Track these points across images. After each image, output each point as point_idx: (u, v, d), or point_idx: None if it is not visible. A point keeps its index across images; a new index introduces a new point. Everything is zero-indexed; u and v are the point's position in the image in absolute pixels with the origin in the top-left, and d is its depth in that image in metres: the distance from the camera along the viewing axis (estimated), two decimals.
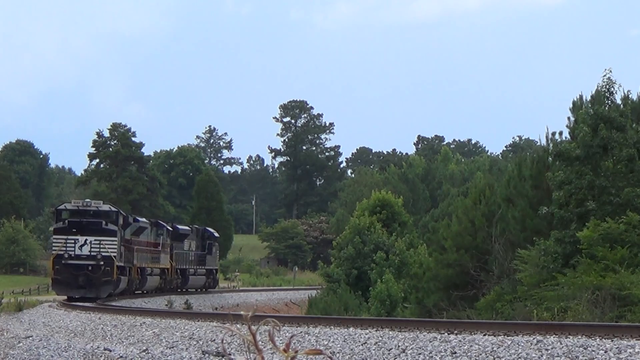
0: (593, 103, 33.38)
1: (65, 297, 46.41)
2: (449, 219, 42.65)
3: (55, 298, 49.39)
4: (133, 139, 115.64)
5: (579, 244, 28.62)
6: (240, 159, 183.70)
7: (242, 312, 2.83)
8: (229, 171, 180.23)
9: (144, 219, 54.58)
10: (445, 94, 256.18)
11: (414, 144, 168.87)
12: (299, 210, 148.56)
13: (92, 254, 45.54)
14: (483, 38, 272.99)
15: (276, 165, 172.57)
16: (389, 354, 18.21)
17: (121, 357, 24.10)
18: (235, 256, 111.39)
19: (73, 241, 45.70)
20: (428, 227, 60.20)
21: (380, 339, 19.31)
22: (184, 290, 60.69)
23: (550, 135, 37.27)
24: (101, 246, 45.58)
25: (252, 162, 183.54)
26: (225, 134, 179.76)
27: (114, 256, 45.62)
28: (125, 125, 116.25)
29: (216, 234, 68.54)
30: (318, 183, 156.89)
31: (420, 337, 18.59)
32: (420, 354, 17.56)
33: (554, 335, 16.71)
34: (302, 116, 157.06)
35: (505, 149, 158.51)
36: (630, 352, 14.92)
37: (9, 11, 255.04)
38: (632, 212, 28.39)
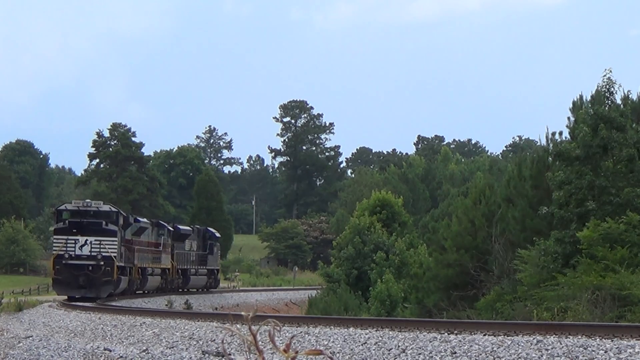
0: (593, 103, 33.39)
1: (66, 297, 46.51)
2: (449, 219, 42.66)
3: (55, 298, 49.40)
4: (133, 139, 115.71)
5: (579, 244, 28.62)
6: (240, 159, 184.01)
7: (242, 313, 2.84)
8: (229, 171, 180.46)
9: (145, 219, 54.64)
10: (445, 94, 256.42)
11: (414, 144, 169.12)
12: (299, 210, 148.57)
13: (92, 254, 45.67)
14: (483, 38, 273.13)
15: (276, 165, 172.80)
16: (389, 354, 18.22)
17: (121, 357, 24.11)
18: (235, 256, 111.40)
19: (73, 241, 45.83)
20: (428, 227, 60.19)
21: (380, 339, 19.32)
22: (185, 290, 60.77)
23: (550, 135, 37.31)
24: (101, 246, 45.70)
25: (252, 162, 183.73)
26: (225, 134, 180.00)
27: (114, 256, 45.71)
28: (125, 125, 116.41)
29: (217, 234, 68.61)
30: (318, 183, 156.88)
31: (420, 337, 18.60)
32: (420, 354, 17.57)
33: (554, 335, 16.71)
34: (302, 116, 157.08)
35: (505, 149, 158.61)
36: (630, 352, 14.92)
37: (9, 11, 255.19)
38: (632, 212, 28.39)
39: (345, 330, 21.11)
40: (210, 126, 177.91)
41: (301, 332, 21.72)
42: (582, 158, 30.47)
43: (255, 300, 66.25)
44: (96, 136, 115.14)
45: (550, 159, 34.96)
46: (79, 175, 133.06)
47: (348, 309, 43.47)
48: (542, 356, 15.66)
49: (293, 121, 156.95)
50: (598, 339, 15.94)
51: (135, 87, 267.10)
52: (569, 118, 35.70)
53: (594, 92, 34.37)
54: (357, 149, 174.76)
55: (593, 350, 15.29)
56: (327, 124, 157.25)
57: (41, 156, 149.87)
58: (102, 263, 45.54)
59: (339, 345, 19.69)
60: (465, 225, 38.08)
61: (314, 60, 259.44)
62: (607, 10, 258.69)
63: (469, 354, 16.78)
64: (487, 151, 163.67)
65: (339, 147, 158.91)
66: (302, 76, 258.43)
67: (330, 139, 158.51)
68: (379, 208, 54.72)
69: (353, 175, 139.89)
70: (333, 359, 18.13)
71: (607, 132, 30.28)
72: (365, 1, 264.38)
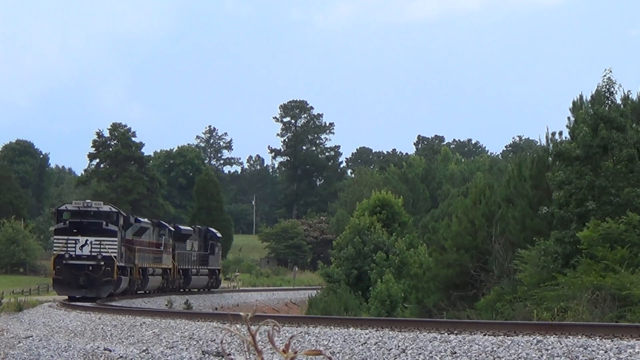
0: (593, 103, 33.39)
1: (66, 297, 46.62)
2: (449, 219, 42.67)
3: (55, 298, 49.43)
4: (133, 139, 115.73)
5: (579, 244, 28.62)
6: (240, 159, 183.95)
7: (241, 313, 2.83)
8: (229, 171, 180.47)
9: (146, 220, 54.78)
10: (445, 94, 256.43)
11: (414, 144, 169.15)
12: (299, 210, 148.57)
13: (92, 254, 45.82)
14: (483, 38, 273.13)
15: (276, 165, 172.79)
16: (389, 354, 18.22)
17: (121, 357, 24.10)
18: (235, 256, 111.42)
19: (74, 241, 45.99)
20: (428, 227, 60.20)
21: (380, 339, 19.32)
22: (186, 290, 60.88)
23: (550, 135, 37.31)
24: (101, 246, 45.83)
25: (252, 162, 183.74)
26: (225, 134, 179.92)
27: (115, 256, 45.82)
28: (125, 125, 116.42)
29: (219, 234, 68.71)
30: (318, 183, 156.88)
31: (420, 337, 18.59)
32: (420, 354, 17.57)
33: (554, 335, 16.71)
34: (302, 116, 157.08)
35: (505, 149, 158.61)
36: (630, 352, 14.92)
37: (9, 11, 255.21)
38: (632, 212, 28.39)
39: (345, 330, 21.11)
40: (210, 126, 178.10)
41: (301, 332, 21.72)
42: (582, 158, 30.47)
43: (255, 300, 66.25)
44: (96, 136, 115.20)
45: (550, 159, 34.96)
46: (79, 175, 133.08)
47: (348, 309, 43.48)
48: (542, 356, 15.65)
49: (293, 121, 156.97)
50: (598, 339, 15.94)
51: (135, 87, 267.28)
52: (569, 118, 35.72)
53: (594, 92, 34.38)
54: (357, 149, 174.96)
55: (593, 350, 15.29)
56: (327, 124, 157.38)
57: (41, 156, 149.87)
58: (102, 263, 45.66)
59: (339, 345, 19.69)
60: (465, 225, 38.08)
61: (314, 60, 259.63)
62: (607, 10, 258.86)
63: (469, 354, 16.77)
64: (487, 151, 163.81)
65: (339, 147, 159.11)
66: (302, 76, 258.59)
67: (330, 139, 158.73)
68: (379, 208, 54.73)
69: (353, 175, 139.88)
70: (332, 359, 18.12)
71: (607, 132, 30.28)
72: (365, 1, 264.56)
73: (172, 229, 57.52)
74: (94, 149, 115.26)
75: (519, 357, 15.90)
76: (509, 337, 17.19)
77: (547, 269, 29.44)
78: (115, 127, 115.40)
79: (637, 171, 30.49)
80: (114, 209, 48.37)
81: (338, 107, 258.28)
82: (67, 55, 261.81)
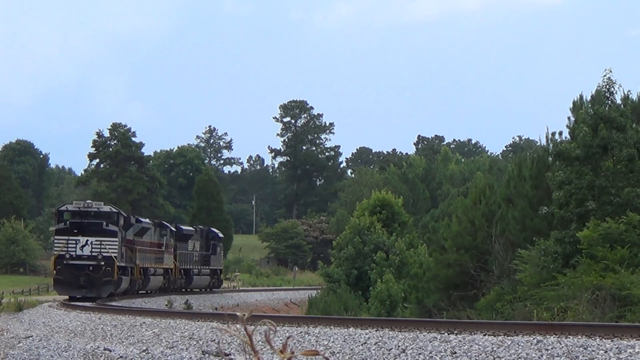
0: (593, 103, 33.39)
1: (67, 297, 46.76)
2: (449, 219, 42.68)
3: (55, 298, 49.47)
4: (133, 139, 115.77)
5: (579, 244, 28.62)
6: (240, 159, 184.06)
7: (237, 313, 2.84)
8: (229, 171, 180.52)
9: (147, 220, 54.97)
10: (445, 94, 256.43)
11: (414, 144, 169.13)
12: (299, 210, 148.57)
13: (93, 254, 46.01)
14: (483, 38, 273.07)
15: (276, 165, 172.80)
16: (389, 354, 18.22)
17: (121, 357, 24.10)
18: (235, 256, 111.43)
19: (74, 242, 46.17)
20: (428, 227, 60.23)
21: (380, 339, 19.32)
22: (188, 290, 61.00)
23: (550, 135, 37.32)
24: (102, 247, 46.02)
25: (252, 162, 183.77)
26: (225, 134, 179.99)
27: (115, 256, 45.97)
28: (125, 125, 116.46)
29: (220, 235, 68.86)
30: (318, 183, 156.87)
31: (420, 337, 18.59)
32: (420, 354, 17.57)
33: (554, 335, 16.71)
34: (302, 116, 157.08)
35: (505, 149, 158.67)
36: (630, 352, 14.92)
37: (9, 11, 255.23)
38: (632, 212, 28.40)
39: (345, 330, 21.10)
40: (210, 126, 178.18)
41: (301, 332, 21.72)
42: (582, 158, 30.47)
43: (255, 300, 66.27)
44: (96, 136, 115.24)
45: (550, 159, 34.96)
46: (79, 175, 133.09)
47: (348, 309, 43.48)
48: (542, 356, 15.65)
49: (293, 121, 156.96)
50: (598, 339, 15.94)
51: (135, 87, 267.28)
52: (569, 118, 35.73)
53: (594, 92, 34.39)
54: (357, 149, 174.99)
55: (593, 350, 15.29)
56: (327, 124, 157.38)
57: (41, 156, 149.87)
58: (102, 263, 45.82)
59: (339, 345, 19.69)
60: (465, 225, 38.08)
61: (314, 60, 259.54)
62: (607, 10, 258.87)
63: (469, 354, 16.78)
64: (487, 151, 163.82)
65: (339, 147, 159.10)
66: (302, 76, 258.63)
67: (330, 139, 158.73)
68: (379, 208, 54.73)
69: (353, 175, 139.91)
70: (329, 359, 18.11)
71: (607, 132, 30.29)
72: (365, 1, 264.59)
73: (174, 229, 57.68)
74: (94, 149, 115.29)
75: (519, 357, 15.90)
76: (509, 337, 17.19)
77: (547, 269, 29.44)
78: (115, 127, 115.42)
79: (637, 171, 30.49)
80: (114, 210, 48.54)
81: (338, 107, 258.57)
82: (67, 55, 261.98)
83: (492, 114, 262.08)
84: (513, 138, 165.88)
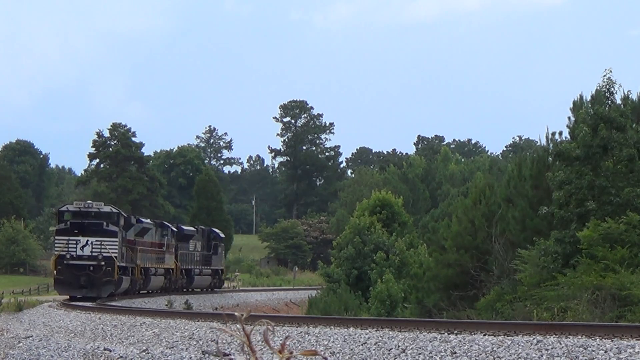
0: (593, 103, 33.39)
1: (67, 297, 46.92)
2: (449, 219, 42.66)
3: (55, 298, 49.53)
4: (133, 139, 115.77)
5: (579, 244, 28.62)
6: (240, 159, 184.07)
7: (235, 313, 2.84)
8: (229, 171, 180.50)
9: (148, 220, 55.13)
10: (445, 94, 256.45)
11: (414, 144, 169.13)
12: (299, 210, 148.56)
13: (93, 254, 46.24)
14: (483, 38, 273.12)
15: (276, 165, 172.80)
16: (389, 354, 18.22)
17: (121, 357, 24.11)
18: (235, 256, 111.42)
19: (75, 242, 46.39)
20: (428, 227, 60.22)
21: (380, 339, 19.31)
22: (189, 290, 61.08)
23: (550, 135, 37.31)
24: (102, 247, 46.24)
25: (252, 162, 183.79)
26: (225, 134, 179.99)
27: (115, 256, 46.13)
28: (125, 125, 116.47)
29: (222, 235, 68.97)
30: (318, 183, 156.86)
31: (420, 337, 18.59)
32: (420, 354, 17.57)
33: (554, 335, 16.71)
34: (302, 116, 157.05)
35: (505, 149, 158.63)
36: (630, 352, 14.92)
37: (9, 11, 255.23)
38: (632, 212, 28.39)
39: (345, 330, 21.10)
40: (210, 126, 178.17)
41: (301, 332, 21.72)
42: (582, 158, 30.46)
43: (255, 300, 66.28)
44: (96, 136, 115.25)
45: (550, 159, 34.96)
46: (79, 175, 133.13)
47: (348, 309, 43.48)
48: (542, 356, 15.65)
49: (293, 121, 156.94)
50: (598, 339, 15.94)
51: (135, 87, 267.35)
52: (569, 118, 35.72)
53: (594, 92, 34.38)
54: (357, 149, 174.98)
55: (593, 350, 15.29)
56: (327, 124, 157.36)
57: (41, 156, 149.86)
58: (103, 263, 46.02)
59: (339, 345, 19.69)
60: (465, 225, 38.07)
61: (314, 60, 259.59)
62: (607, 10, 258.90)
63: (469, 354, 16.78)
64: (487, 151, 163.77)
65: (339, 147, 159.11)
66: (302, 76, 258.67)
67: (330, 139, 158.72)
68: (379, 208, 54.73)
69: (353, 175, 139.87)
70: (328, 359, 18.11)
71: (607, 132, 30.29)
72: (365, 1, 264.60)
73: (175, 229, 57.86)
74: (94, 149, 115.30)
75: (519, 357, 15.90)
76: (509, 337, 17.19)
77: (547, 269, 29.44)
78: (115, 127, 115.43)
79: (637, 171, 30.49)
80: (114, 210, 48.73)
81: (338, 107, 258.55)
82: (67, 55, 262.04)
83: (492, 114, 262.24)
84: (513, 138, 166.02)
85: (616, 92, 32.15)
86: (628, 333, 16.20)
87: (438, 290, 38.19)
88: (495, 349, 16.56)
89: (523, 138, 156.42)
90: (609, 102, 31.89)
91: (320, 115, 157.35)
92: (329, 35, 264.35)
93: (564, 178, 30.48)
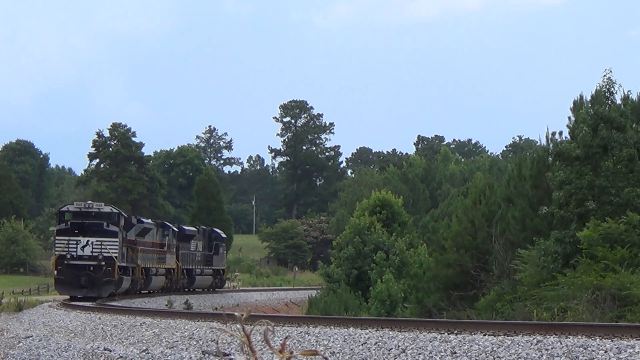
0: (593, 103, 33.40)
1: (67, 297, 47.04)
2: (449, 219, 42.66)
3: (55, 298, 49.58)
4: (133, 139, 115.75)
5: (579, 244, 28.62)
6: (240, 159, 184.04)
7: (235, 313, 2.84)
8: (229, 171, 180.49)
9: (149, 220, 55.24)
10: (445, 94, 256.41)
11: (414, 144, 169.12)
12: (299, 210, 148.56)
13: (93, 254, 46.43)
14: (483, 38, 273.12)
15: (276, 165, 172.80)
16: (389, 354, 18.22)
17: (121, 357, 24.11)
18: (235, 256, 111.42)
19: (75, 242, 46.58)
20: (428, 227, 60.24)
21: (380, 339, 19.32)
22: (190, 290, 61.15)
23: (550, 135, 37.32)
24: (102, 247, 46.41)
25: (252, 162, 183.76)
26: (225, 134, 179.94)
27: (115, 256, 46.25)
28: (125, 125, 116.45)
29: (223, 235, 69.06)
30: (318, 183, 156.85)
31: (420, 337, 18.59)
32: (420, 354, 17.57)
33: (554, 335, 16.71)
34: (302, 116, 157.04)
35: (505, 149, 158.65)
36: (630, 352, 14.92)
37: (9, 11, 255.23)
38: (632, 212, 28.40)
39: (345, 330, 21.11)
40: (210, 126, 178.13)
41: (301, 332, 21.73)
42: (582, 158, 30.47)
43: (255, 300, 66.28)
44: (96, 136, 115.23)
45: (550, 159, 34.96)
46: (79, 175, 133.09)
47: (348, 309, 43.49)
48: (542, 356, 15.66)
49: (293, 121, 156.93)
50: (598, 339, 15.94)
51: (135, 87, 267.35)
52: (569, 118, 35.72)
53: (594, 92, 34.39)
54: (357, 149, 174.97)
55: (593, 350, 15.29)
56: (327, 124, 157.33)
57: (41, 156, 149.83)
58: (103, 263, 46.16)
59: (339, 345, 19.69)
60: (465, 225, 38.08)
61: (314, 60, 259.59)
62: (607, 10, 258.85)
63: (469, 354, 16.78)
64: (487, 151, 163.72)
65: (339, 147, 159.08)
66: (302, 76, 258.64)
67: (330, 139, 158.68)
68: (379, 208, 54.73)
69: (353, 175, 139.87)
70: (328, 359, 18.11)
71: (607, 132, 30.29)
72: (365, 1, 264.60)
73: (176, 229, 58.02)
74: (94, 149, 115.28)
75: (519, 357, 15.90)
76: (509, 337, 17.19)
77: (547, 269, 29.44)
78: (115, 127, 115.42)
79: (637, 171, 30.49)
80: (115, 210, 48.87)
81: (338, 107, 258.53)
82: (67, 55, 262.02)
83: (492, 114, 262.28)
84: (513, 138, 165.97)
85: (616, 92, 32.18)
86: (628, 333, 16.20)
87: (438, 290, 38.20)
88: (495, 349, 16.56)
89: (523, 138, 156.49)
90: (609, 102, 31.89)
91: (320, 115, 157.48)
92: (329, 35, 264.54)
93: (564, 178, 30.49)
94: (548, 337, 16.64)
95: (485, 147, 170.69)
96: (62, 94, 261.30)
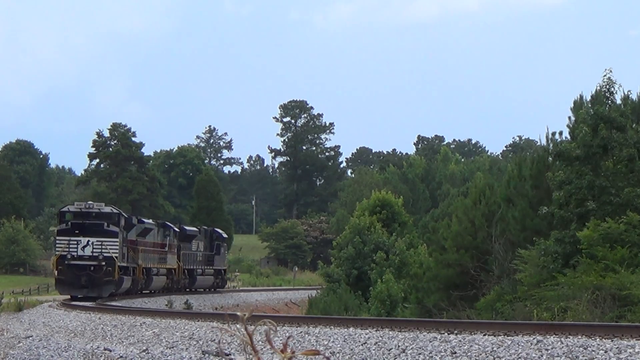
0: (593, 103, 33.41)
1: (67, 297, 47.13)
2: (449, 219, 42.65)
3: (55, 298, 49.61)
4: (133, 139, 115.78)
5: (579, 244, 28.62)
6: (240, 159, 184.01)
7: (238, 313, 2.84)
8: (229, 171, 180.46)
9: (150, 221, 55.31)
10: (445, 94, 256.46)
11: (414, 144, 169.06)
12: (299, 210, 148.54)
13: (94, 254, 46.54)
14: (483, 38, 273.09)
15: (276, 165, 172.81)
16: (389, 354, 18.23)
17: (121, 357, 24.11)
18: (235, 256, 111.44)
19: (76, 242, 46.67)
20: (428, 227, 60.16)
21: (380, 339, 19.32)
22: (191, 290, 61.20)
23: (550, 135, 37.33)
24: (103, 247, 46.51)
25: (252, 162, 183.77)
26: (225, 134, 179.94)
27: (116, 256, 46.33)
28: (125, 125, 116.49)
29: (224, 235, 69.16)
30: (318, 183, 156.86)
31: (420, 337, 18.60)
32: (420, 354, 17.57)
33: (554, 335, 16.71)
34: (302, 116, 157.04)
35: (505, 149, 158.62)
36: (630, 352, 14.93)
37: (9, 11, 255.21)
38: (632, 212, 28.40)
39: (345, 330, 21.11)
40: (210, 126, 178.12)
41: (301, 332, 21.73)
42: (582, 158, 30.47)
43: (255, 300, 66.31)
44: (96, 136, 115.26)
45: (550, 159, 34.97)
46: (79, 175, 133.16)
47: (348, 309, 43.49)
48: (542, 356, 15.66)
49: (293, 121, 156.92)
50: (598, 339, 15.94)
51: (135, 87, 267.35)
52: (569, 118, 35.74)
53: (594, 92, 34.40)
54: (357, 149, 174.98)
55: (593, 350, 15.30)
56: (327, 124, 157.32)
57: (41, 156, 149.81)
58: (103, 263, 46.27)
59: (339, 345, 19.70)
60: (465, 225, 38.08)
61: (314, 60, 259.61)
62: (607, 10, 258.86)
63: (469, 354, 16.78)
64: (487, 151, 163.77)
65: (339, 147, 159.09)
66: (302, 76, 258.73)
67: (330, 139, 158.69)
68: (379, 208, 54.74)
69: (353, 175, 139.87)
70: (330, 359, 18.12)
71: (607, 132, 30.29)
72: (365, 1, 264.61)
73: (177, 229, 58.14)
74: (94, 149, 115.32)
75: (519, 357, 15.90)
76: (509, 337, 17.19)
77: (547, 269, 29.44)
78: (115, 127, 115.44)
79: (637, 171, 30.50)
80: (115, 210, 48.97)
81: (338, 107, 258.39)
82: (67, 55, 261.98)
83: (492, 114, 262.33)
84: (513, 138, 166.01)
85: (616, 92, 32.19)
86: (628, 333, 16.20)
87: (438, 290, 38.20)
88: (495, 349, 16.57)
89: (523, 138, 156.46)
90: (609, 102, 31.90)
91: (320, 115, 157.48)
92: (329, 35, 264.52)
93: (564, 178, 30.49)
94: (548, 337, 16.65)
95: (485, 147, 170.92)
96: (62, 94, 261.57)
